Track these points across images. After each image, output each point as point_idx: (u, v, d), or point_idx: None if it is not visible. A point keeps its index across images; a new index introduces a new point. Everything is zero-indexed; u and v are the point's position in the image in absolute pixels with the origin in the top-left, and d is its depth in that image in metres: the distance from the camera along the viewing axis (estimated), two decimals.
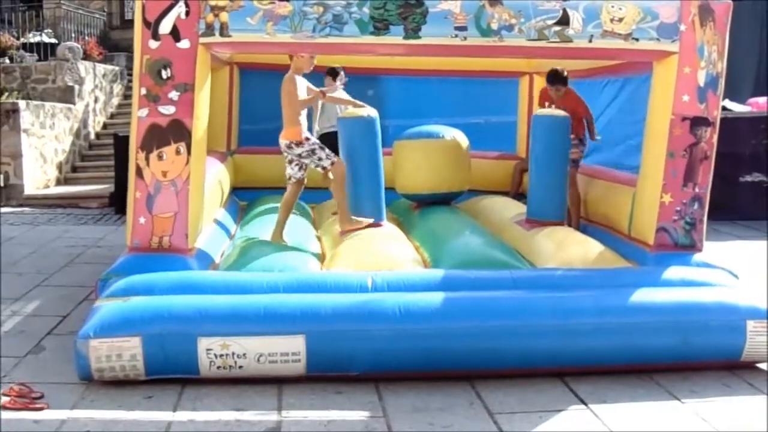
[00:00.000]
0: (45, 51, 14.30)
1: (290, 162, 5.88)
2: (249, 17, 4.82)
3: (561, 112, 6.39)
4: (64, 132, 12.72)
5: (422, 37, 4.89)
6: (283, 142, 5.82)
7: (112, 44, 16.55)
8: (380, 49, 5.33)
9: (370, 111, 6.06)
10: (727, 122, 9.11)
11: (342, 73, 7.25)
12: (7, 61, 13.86)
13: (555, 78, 6.74)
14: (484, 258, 5.25)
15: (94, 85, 14.10)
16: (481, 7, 4.91)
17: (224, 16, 4.82)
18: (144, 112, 4.89)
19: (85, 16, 16.64)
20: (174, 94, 4.87)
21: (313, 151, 5.76)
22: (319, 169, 5.83)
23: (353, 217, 5.87)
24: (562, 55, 5.43)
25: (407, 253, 5.51)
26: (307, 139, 5.80)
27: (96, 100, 14.17)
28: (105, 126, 14.31)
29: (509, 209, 6.95)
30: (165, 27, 4.81)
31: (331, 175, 5.84)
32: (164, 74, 4.84)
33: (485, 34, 4.92)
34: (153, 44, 4.83)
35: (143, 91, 4.87)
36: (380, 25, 4.86)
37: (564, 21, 4.95)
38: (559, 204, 6.17)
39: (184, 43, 4.84)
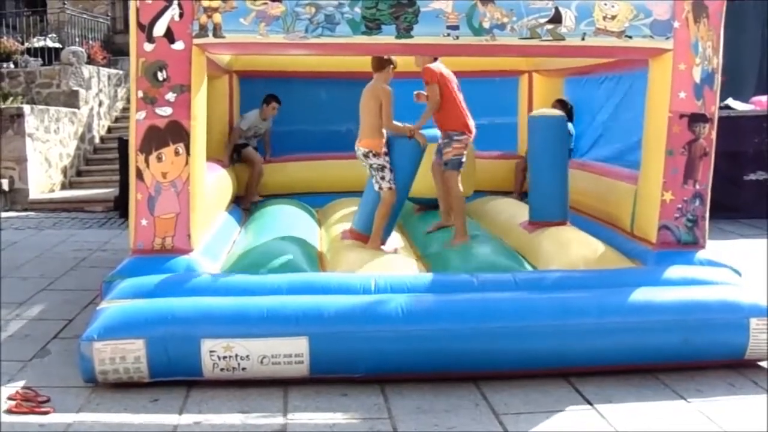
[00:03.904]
0: (49, 55, 14.35)
1: (372, 175, 5.92)
2: (242, 18, 4.84)
3: (556, 112, 6.38)
4: (69, 136, 12.76)
5: (414, 36, 4.88)
6: (361, 149, 5.85)
7: (117, 48, 16.59)
8: (373, 49, 5.34)
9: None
10: (730, 121, 9.14)
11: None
12: (12, 65, 13.93)
13: None
14: (486, 263, 5.25)
15: (99, 89, 14.15)
16: (473, 5, 4.90)
17: (217, 17, 4.83)
18: (142, 114, 4.90)
19: (89, 21, 16.69)
20: (171, 96, 4.87)
21: (382, 167, 5.81)
22: (376, 186, 5.86)
23: (382, 244, 5.89)
24: (555, 53, 5.43)
25: (407, 263, 5.52)
26: (385, 153, 5.84)
27: (100, 104, 14.21)
28: (110, 130, 14.35)
29: (513, 211, 6.94)
30: (159, 29, 4.82)
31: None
32: (160, 76, 4.85)
33: (477, 33, 4.92)
34: (148, 47, 4.84)
35: (140, 93, 4.88)
36: (372, 25, 4.86)
37: (556, 19, 4.94)
38: (560, 204, 6.15)
39: (178, 45, 4.85)
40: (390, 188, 5.81)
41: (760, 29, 13.07)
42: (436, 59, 6.13)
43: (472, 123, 6.10)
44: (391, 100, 5.79)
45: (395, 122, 5.82)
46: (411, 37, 4.89)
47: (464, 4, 4.90)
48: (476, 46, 5.02)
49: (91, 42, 15.90)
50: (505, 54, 5.97)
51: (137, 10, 4.83)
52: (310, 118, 8.58)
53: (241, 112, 8.45)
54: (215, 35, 4.86)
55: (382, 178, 5.80)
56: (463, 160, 6.06)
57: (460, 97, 6.09)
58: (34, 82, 13.42)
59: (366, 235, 5.89)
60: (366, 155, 5.83)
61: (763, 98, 10.77)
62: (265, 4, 4.82)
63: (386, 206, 5.81)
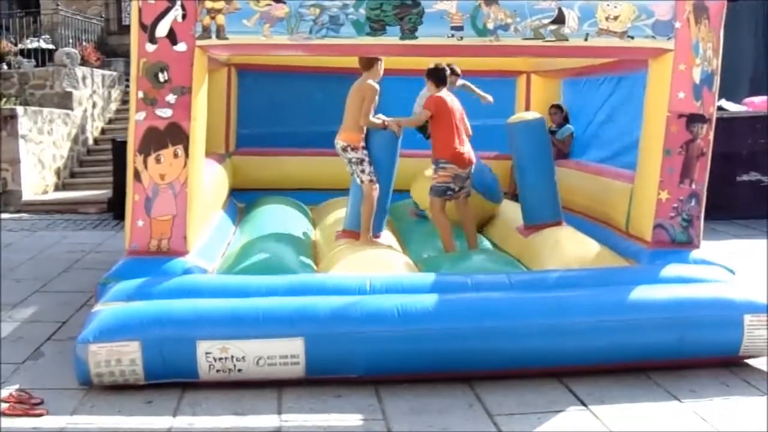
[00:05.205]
0: (43, 57, 14.33)
1: (352, 170, 5.91)
2: (245, 19, 4.83)
3: (534, 115, 6.38)
4: (62, 138, 12.72)
5: (419, 37, 4.89)
6: (339, 143, 5.87)
7: (110, 50, 16.57)
8: (377, 50, 5.34)
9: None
10: (724, 122, 9.16)
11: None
12: (5, 67, 13.88)
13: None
14: (479, 269, 5.25)
15: (92, 90, 14.10)
16: (477, 6, 4.92)
17: (221, 19, 4.82)
18: (141, 115, 4.88)
19: (83, 22, 16.64)
20: (171, 97, 4.86)
21: (361, 161, 5.82)
22: (357, 180, 5.87)
23: (371, 235, 5.90)
24: (558, 53, 5.46)
25: (401, 261, 5.51)
26: (363, 147, 5.85)
27: (94, 106, 14.17)
28: (103, 131, 14.30)
29: (508, 213, 6.94)
30: (162, 30, 4.81)
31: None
32: (161, 77, 4.84)
33: (481, 34, 4.94)
34: (150, 47, 4.83)
35: (140, 94, 4.87)
36: (376, 26, 4.86)
37: (560, 20, 4.96)
38: (552, 205, 6.17)
39: (180, 46, 4.84)
40: (371, 180, 5.82)
41: (753, 30, 13.14)
42: (442, 86, 6.05)
43: (467, 154, 5.95)
44: (373, 96, 5.76)
45: (372, 118, 5.80)
46: (415, 38, 4.90)
47: (468, 5, 4.92)
48: (480, 46, 5.03)
49: (84, 43, 15.86)
50: (508, 54, 5.98)
51: (139, 9, 4.81)
52: (309, 113, 8.54)
53: (239, 105, 8.41)
54: (218, 37, 4.85)
55: (362, 171, 5.82)
56: (452, 187, 5.92)
57: (461, 128, 5.99)
58: (27, 83, 13.38)
59: (357, 232, 5.90)
60: (344, 149, 5.84)
61: (756, 99, 10.83)
62: (269, 5, 4.82)
63: (370, 199, 5.83)
